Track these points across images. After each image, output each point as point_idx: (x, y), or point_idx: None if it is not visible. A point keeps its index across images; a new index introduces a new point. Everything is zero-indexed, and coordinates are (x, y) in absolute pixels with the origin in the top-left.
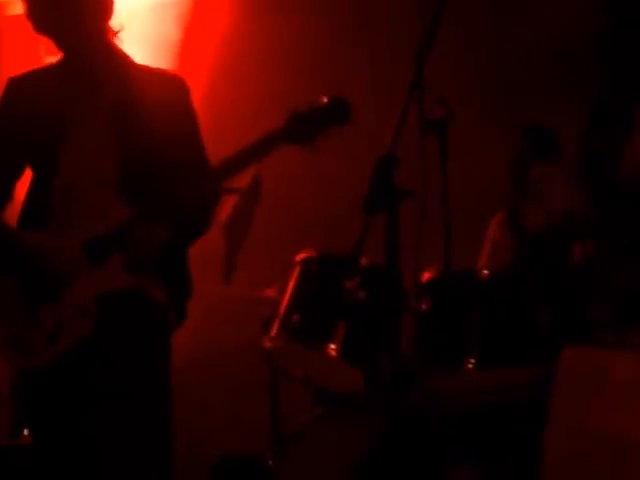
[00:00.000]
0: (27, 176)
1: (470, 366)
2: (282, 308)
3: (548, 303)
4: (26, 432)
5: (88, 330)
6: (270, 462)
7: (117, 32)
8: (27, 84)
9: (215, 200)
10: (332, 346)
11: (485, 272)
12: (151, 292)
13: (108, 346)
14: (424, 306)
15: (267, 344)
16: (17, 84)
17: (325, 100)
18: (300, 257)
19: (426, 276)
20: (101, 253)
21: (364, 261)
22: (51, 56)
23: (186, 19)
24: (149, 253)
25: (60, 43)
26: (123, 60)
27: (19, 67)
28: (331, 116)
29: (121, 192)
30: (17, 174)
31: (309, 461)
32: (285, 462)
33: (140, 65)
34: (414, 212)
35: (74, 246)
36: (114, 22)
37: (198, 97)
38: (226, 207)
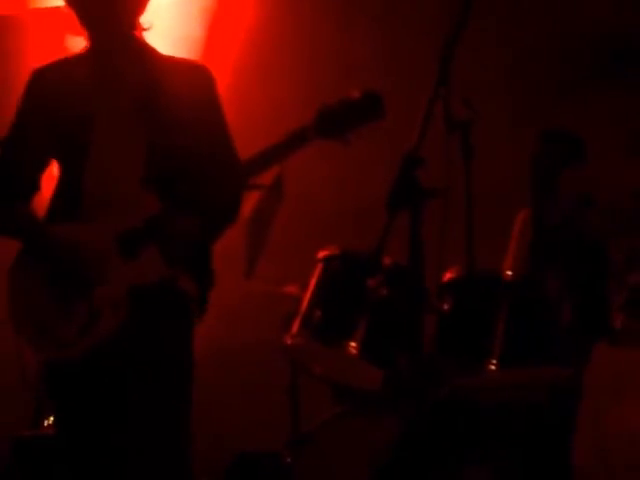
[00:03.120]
0: (52, 169)
1: (492, 367)
2: (303, 305)
3: (572, 303)
4: (46, 422)
5: (120, 322)
6: (288, 459)
7: (146, 29)
8: (51, 75)
9: (242, 189)
10: (352, 344)
11: (508, 273)
12: (182, 284)
13: (137, 337)
14: (446, 305)
15: (288, 341)
16: (41, 75)
17: (357, 94)
18: (322, 254)
19: (448, 275)
20: (133, 245)
21: (387, 260)
22: (74, 36)
23: (210, 15)
24: (183, 244)
25: (89, 26)
26: (149, 53)
27: (43, 59)
28: (363, 111)
29: (149, 182)
30: (43, 166)
31: (327, 459)
32: (303, 460)
33: (165, 56)
34: (437, 211)
35: (106, 238)
36: (144, 19)
37: (222, 93)
38: (249, 203)
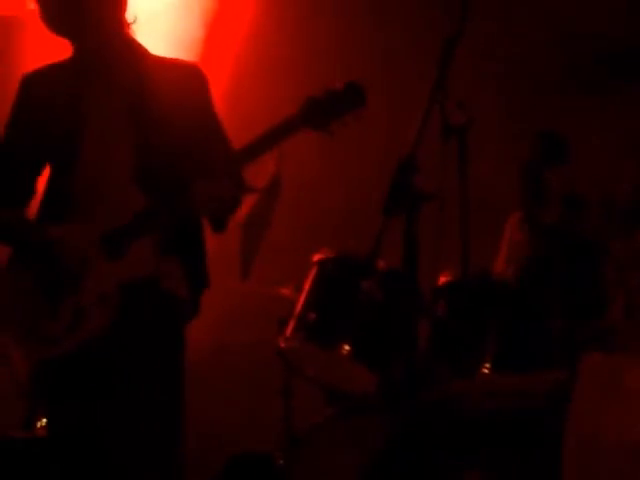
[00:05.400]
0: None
1: (486, 370)
2: (298, 308)
3: (564, 308)
4: (39, 424)
5: (109, 318)
6: (281, 461)
7: (131, 24)
8: (42, 80)
9: (239, 189)
10: (346, 347)
11: (501, 277)
12: (168, 283)
13: (126, 335)
14: (440, 309)
15: (282, 343)
16: (31, 81)
17: (340, 85)
18: (317, 257)
19: (443, 279)
20: (120, 242)
21: (381, 263)
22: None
23: (209, 16)
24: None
25: (75, 41)
26: (138, 52)
27: (43, 60)
28: (346, 100)
29: (140, 184)
30: (38, 171)
31: (320, 461)
32: (296, 461)
33: (156, 56)
34: (432, 215)
35: (93, 237)
36: (129, 15)
37: (220, 94)
38: (245, 206)
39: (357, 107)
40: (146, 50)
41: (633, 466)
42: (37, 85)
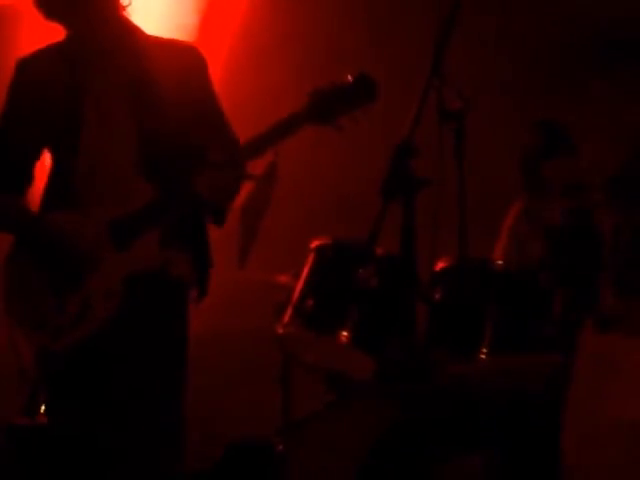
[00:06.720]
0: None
1: (483, 355)
2: (295, 294)
3: (563, 291)
4: (42, 411)
5: (115, 310)
6: (280, 448)
7: (126, 6)
8: (37, 64)
9: (239, 180)
10: (344, 333)
11: (499, 262)
12: (176, 270)
13: (133, 326)
14: (437, 295)
15: (279, 330)
16: (26, 64)
17: (350, 78)
18: (314, 244)
19: (440, 265)
20: (127, 234)
21: (379, 249)
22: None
23: (203, 4)
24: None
25: (72, 26)
26: (135, 34)
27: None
28: (356, 95)
29: (142, 169)
30: (35, 157)
31: (319, 447)
32: (295, 448)
33: (153, 37)
34: (430, 200)
35: (99, 228)
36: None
37: (216, 80)
38: (242, 194)
39: (367, 102)
40: (142, 31)
41: (631, 445)
42: (32, 69)
